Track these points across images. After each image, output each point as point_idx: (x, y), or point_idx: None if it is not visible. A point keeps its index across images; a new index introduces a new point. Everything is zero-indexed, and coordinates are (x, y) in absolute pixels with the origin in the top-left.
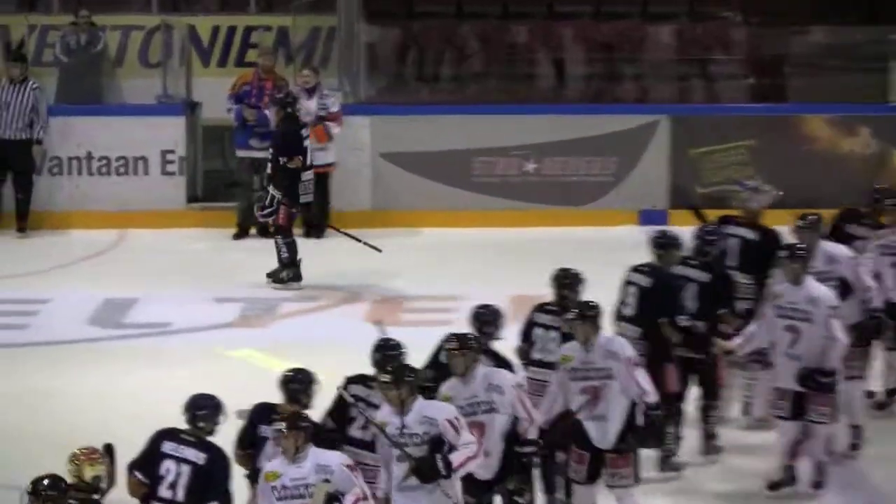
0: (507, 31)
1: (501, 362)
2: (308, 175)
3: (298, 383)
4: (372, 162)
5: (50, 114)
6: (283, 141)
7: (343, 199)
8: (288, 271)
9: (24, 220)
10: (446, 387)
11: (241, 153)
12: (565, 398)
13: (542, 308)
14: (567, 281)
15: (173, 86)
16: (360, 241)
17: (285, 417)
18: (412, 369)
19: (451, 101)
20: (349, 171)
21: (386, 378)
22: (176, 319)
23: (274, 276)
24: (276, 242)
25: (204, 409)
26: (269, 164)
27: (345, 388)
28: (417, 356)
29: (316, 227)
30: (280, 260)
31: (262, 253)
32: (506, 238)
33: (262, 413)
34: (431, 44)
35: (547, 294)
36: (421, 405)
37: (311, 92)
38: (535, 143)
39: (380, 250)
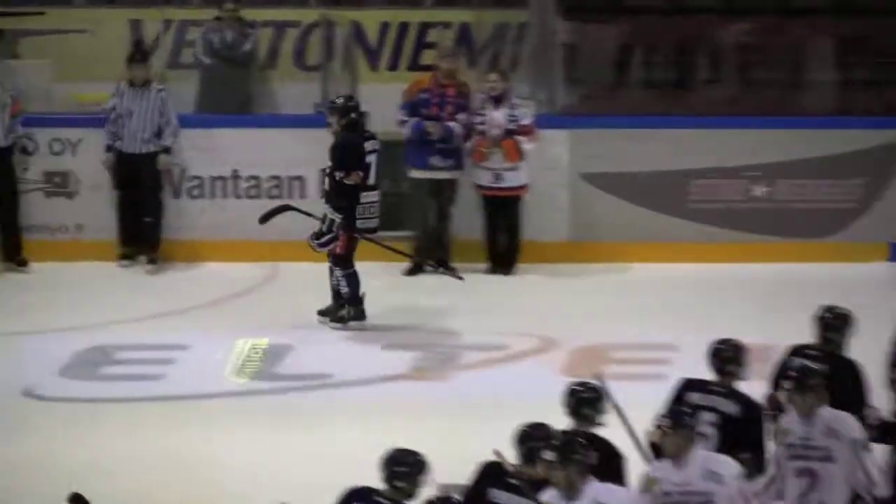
0: (730, 28)
1: (748, 405)
2: (371, 197)
3: (536, 440)
4: (570, 184)
5: (189, 125)
6: (340, 153)
7: (535, 228)
8: (349, 309)
9: (154, 249)
10: (653, 469)
11: (416, 174)
12: (783, 482)
13: (800, 351)
14: (833, 321)
15: (335, 93)
16: (437, 268)
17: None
18: (583, 444)
19: (664, 113)
20: (542, 194)
21: (551, 457)
22: (338, 370)
23: (331, 315)
24: (332, 275)
25: (404, 465)
26: (326, 181)
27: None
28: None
29: (503, 262)
30: (338, 296)
31: (441, 292)
32: (729, 275)
33: (490, 475)
34: (643, 44)
35: (783, 343)
36: (595, 490)
37: (498, 100)
38: (765, 162)
39: (461, 278)
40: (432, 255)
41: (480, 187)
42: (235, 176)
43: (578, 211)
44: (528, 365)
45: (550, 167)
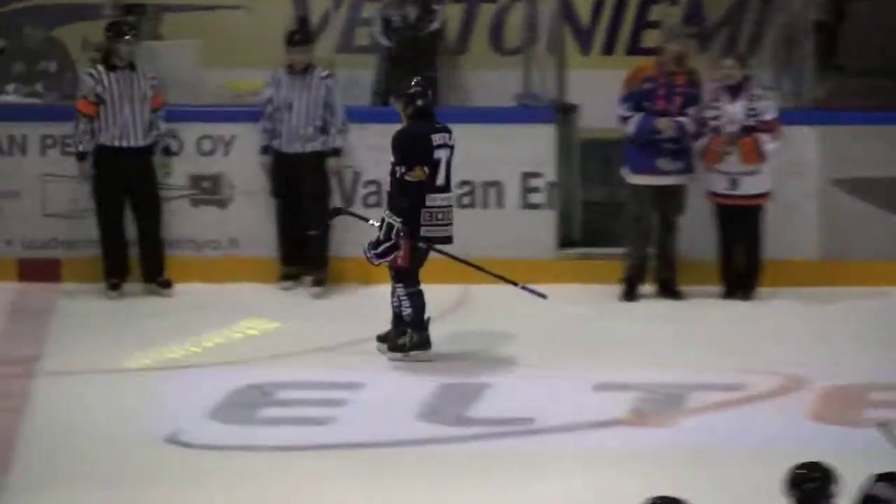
0: None
1: None
2: (439, 200)
3: (816, 482)
4: (820, 191)
5: (363, 119)
6: (402, 144)
7: (778, 244)
8: (411, 335)
9: (321, 268)
10: None
11: (637, 179)
12: None
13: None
14: None
15: (539, 81)
16: (516, 284)
17: None
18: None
19: None
20: (787, 203)
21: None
22: (542, 414)
23: (390, 342)
24: (394, 294)
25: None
26: (389, 180)
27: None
28: None
29: (740, 285)
30: (399, 320)
31: (664, 320)
32: None
33: None
34: None
35: None
36: None
37: (735, 91)
38: None
39: (544, 297)
40: (652, 275)
41: (714, 195)
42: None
43: (830, 224)
44: (770, 408)
45: (797, 171)
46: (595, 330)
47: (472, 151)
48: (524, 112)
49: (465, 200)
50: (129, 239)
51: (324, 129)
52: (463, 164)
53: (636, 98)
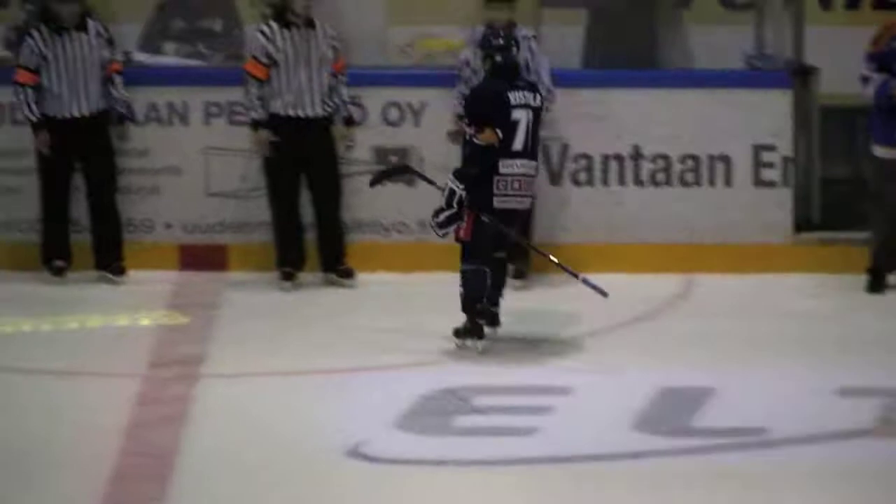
0: None
1: None
2: (516, 167)
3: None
4: None
5: (572, 84)
6: (472, 103)
7: None
8: (465, 323)
9: (523, 257)
10: None
11: (883, 152)
12: None
13: None
14: None
15: (774, 40)
16: (577, 276)
17: None
18: None
19: None
20: None
21: None
22: (775, 423)
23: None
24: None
25: None
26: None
27: None
28: None
29: None
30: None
31: None
32: None
33: None
34: None
35: None
36: None
37: None
38: None
39: (606, 294)
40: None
41: None
42: (636, 155)
43: None
44: None
45: None
46: (837, 326)
47: (696, 121)
48: (756, 75)
49: (689, 177)
50: (306, 222)
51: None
52: (687, 136)
53: (883, 59)
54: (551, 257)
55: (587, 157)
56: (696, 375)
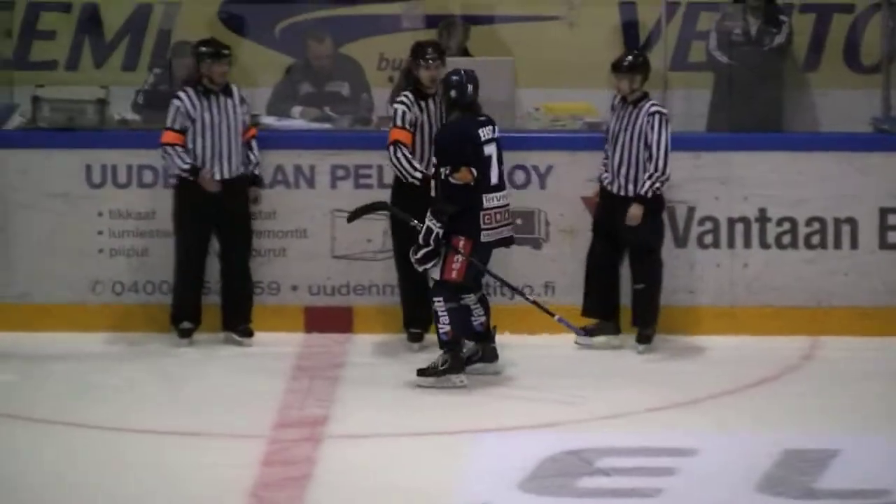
0: None
1: None
2: (496, 199)
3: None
4: None
5: (697, 146)
6: (443, 142)
7: None
8: (444, 357)
9: (648, 323)
10: None
11: None
12: None
13: None
14: None
15: None
16: (553, 315)
17: None
18: None
19: None
20: None
21: None
22: None
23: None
24: (434, 305)
25: None
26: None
27: None
28: None
29: None
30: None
31: None
32: None
33: None
34: None
35: None
36: None
37: None
38: None
39: (583, 332)
40: None
41: None
42: (762, 217)
43: None
44: None
45: None
46: None
47: (822, 184)
48: (882, 138)
49: (815, 240)
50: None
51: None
52: (813, 199)
53: None
54: (526, 296)
55: (713, 219)
56: (821, 438)
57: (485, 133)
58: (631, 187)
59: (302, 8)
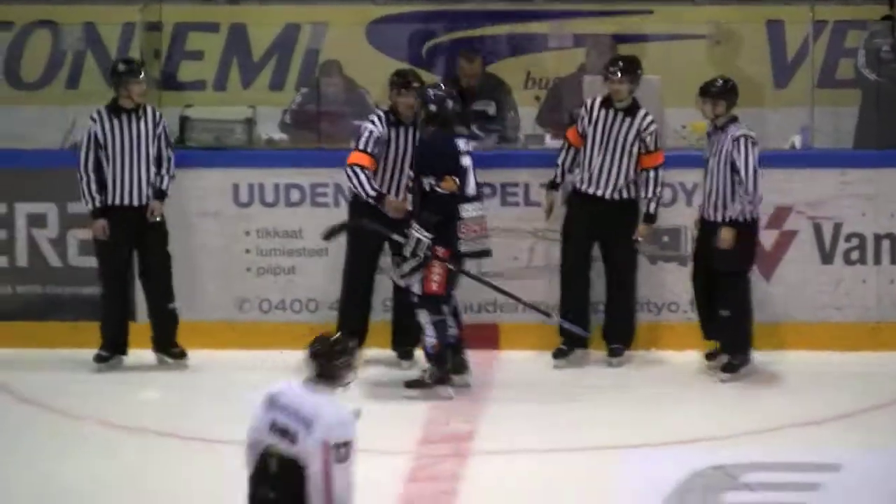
0: None
1: None
2: (473, 209)
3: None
4: None
5: (847, 164)
6: (427, 154)
7: None
8: (431, 370)
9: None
10: None
11: None
12: None
13: None
14: None
15: None
16: (550, 316)
17: None
18: None
19: None
20: None
21: None
22: None
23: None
24: (418, 318)
25: None
26: (409, 196)
27: None
28: None
29: None
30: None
31: None
32: None
33: None
34: None
35: None
36: None
37: None
38: None
39: (586, 335)
40: None
41: None
42: None
43: None
44: None
45: None
46: None
47: None
48: None
49: None
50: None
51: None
52: None
53: None
54: (519, 298)
55: (859, 235)
56: None
57: (462, 145)
58: (720, 214)
59: (449, 27)
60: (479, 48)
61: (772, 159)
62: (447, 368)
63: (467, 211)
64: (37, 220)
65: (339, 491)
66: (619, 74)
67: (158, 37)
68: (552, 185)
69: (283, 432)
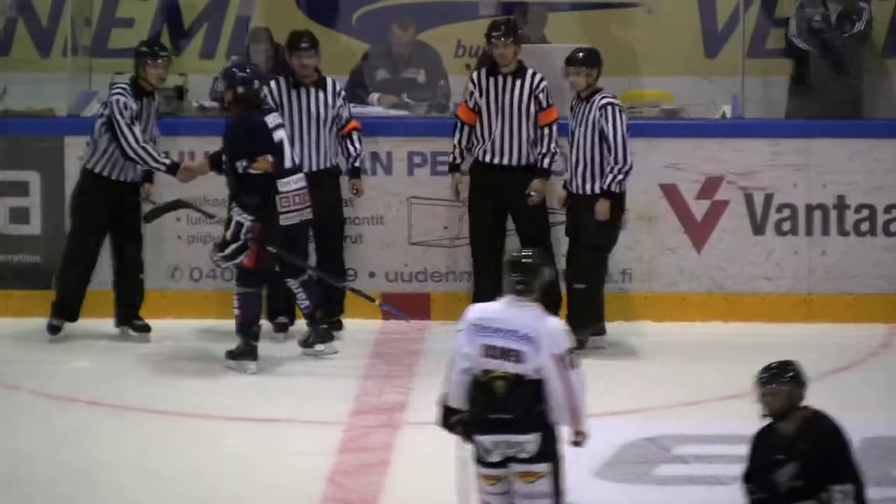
0: None
1: None
2: (293, 182)
3: None
4: None
5: (776, 134)
6: (237, 136)
7: None
8: (240, 344)
9: None
10: None
11: None
12: None
13: None
14: None
15: None
16: (373, 301)
17: None
18: None
19: None
20: None
21: None
22: None
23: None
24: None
25: None
26: (227, 178)
27: None
28: None
29: None
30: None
31: None
32: None
33: None
34: None
35: None
36: None
37: None
38: None
39: (408, 318)
40: None
41: None
42: (840, 205)
43: None
44: None
45: None
46: None
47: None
48: None
49: (893, 227)
50: None
51: None
52: (891, 186)
53: None
54: (340, 283)
55: (791, 206)
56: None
57: (272, 120)
58: (589, 185)
59: None
60: (411, 16)
61: (703, 129)
62: (254, 343)
63: (286, 185)
64: None
65: (579, 395)
66: (503, 38)
67: (90, 4)
68: (454, 167)
69: (505, 354)
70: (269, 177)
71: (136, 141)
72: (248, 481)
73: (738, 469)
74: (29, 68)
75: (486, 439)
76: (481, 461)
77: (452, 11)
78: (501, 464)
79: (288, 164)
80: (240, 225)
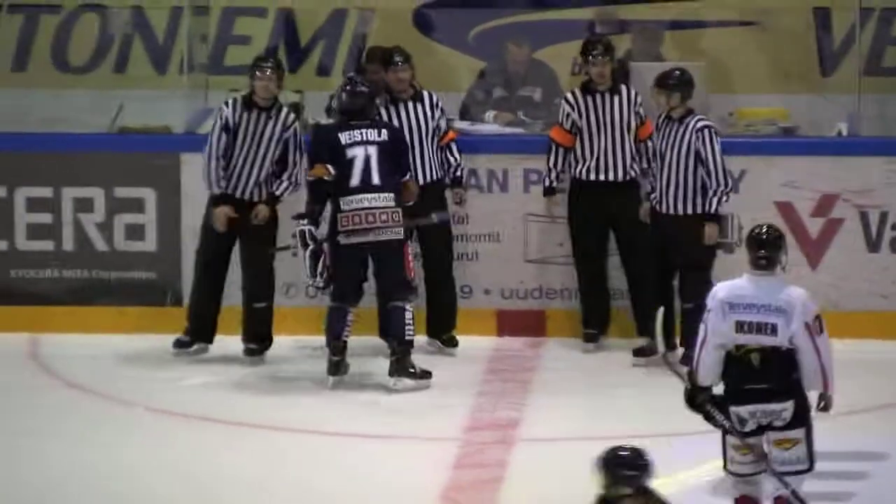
0: None
1: None
2: (356, 202)
3: None
4: None
5: (885, 150)
6: (311, 144)
7: None
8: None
9: None
10: None
11: None
12: None
13: None
14: None
15: None
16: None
17: None
18: None
19: None
20: None
21: None
22: None
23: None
24: None
25: None
26: None
27: None
28: None
29: None
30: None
31: None
32: None
33: None
34: None
35: None
36: None
37: None
38: None
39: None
40: None
41: None
42: None
43: None
44: None
45: None
46: None
47: None
48: None
49: None
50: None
51: None
52: None
53: None
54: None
55: None
56: None
57: (345, 137)
58: (681, 206)
59: (496, 13)
60: (527, 34)
61: (819, 146)
62: (336, 359)
63: (348, 203)
64: (84, 205)
65: (829, 359)
66: (602, 57)
67: (206, 21)
68: (549, 191)
69: (759, 328)
70: (324, 185)
71: (210, 148)
72: (364, 497)
73: (854, 486)
74: (145, 85)
75: (742, 409)
76: (734, 432)
77: (568, 29)
78: (754, 433)
79: (354, 182)
80: (302, 234)
